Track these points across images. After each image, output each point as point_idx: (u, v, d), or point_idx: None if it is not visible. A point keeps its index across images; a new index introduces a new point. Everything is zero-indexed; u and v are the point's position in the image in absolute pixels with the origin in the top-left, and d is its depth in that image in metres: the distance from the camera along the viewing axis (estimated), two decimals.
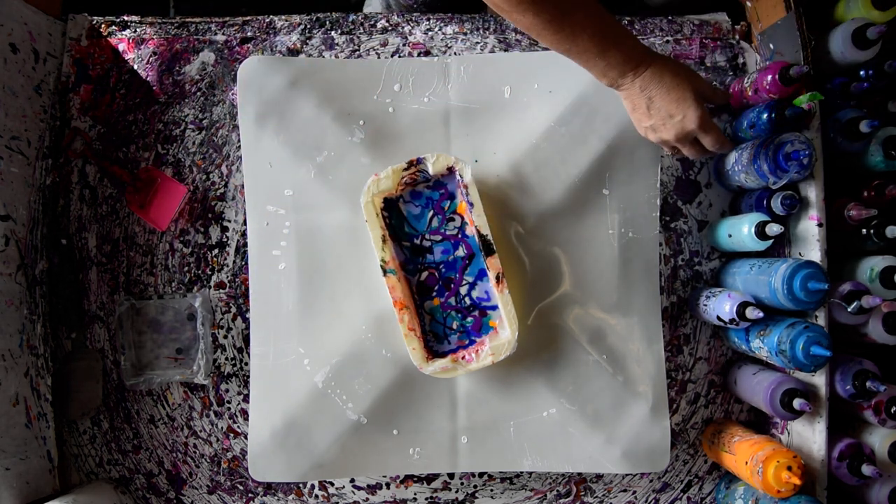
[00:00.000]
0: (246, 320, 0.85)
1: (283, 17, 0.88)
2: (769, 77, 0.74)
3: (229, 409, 0.85)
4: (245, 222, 0.84)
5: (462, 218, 0.78)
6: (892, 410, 0.72)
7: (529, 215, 0.80)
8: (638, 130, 0.72)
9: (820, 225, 0.75)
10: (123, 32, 0.87)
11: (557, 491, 0.87)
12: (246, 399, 0.85)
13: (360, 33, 0.87)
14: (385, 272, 0.75)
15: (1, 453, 0.73)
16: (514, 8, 0.59)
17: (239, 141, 0.85)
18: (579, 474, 0.86)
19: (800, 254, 0.78)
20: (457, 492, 0.86)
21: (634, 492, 0.87)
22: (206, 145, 0.86)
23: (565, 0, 0.60)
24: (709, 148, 0.69)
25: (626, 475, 0.86)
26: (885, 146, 0.74)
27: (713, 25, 0.88)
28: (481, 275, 0.78)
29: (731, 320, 0.74)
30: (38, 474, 0.79)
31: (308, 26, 0.87)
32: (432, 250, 0.78)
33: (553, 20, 0.60)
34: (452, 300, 0.78)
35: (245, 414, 0.85)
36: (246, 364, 0.85)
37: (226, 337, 0.85)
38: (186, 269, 0.85)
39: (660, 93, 0.66)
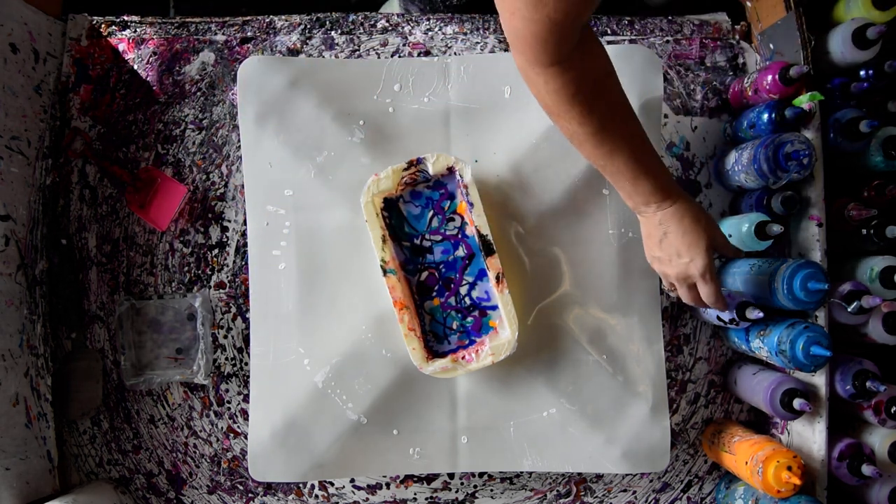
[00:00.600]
0: (246, 320, 0.85)
1: (283, 17, 0.88)
2: (769, 77, 0.74)
3: (229, 409, 0.85)
4: (245, 222, 0.84)
5: (462, 218, 0.78)
6: (892, 410, 0.72)
7: (529, 215, 0.80)
8: (646, 257, 0.72)
9: (820, 225, 0.75)
10: (123, 32, 0.87)
11: (557, 491, 0.87)
12: (246, 399, 0.85)
13: (360, 33, 0.87)
14: (385, 272, 0.75)
15: (1, 453, 0.73)
16: (564, 114, 0.60)
17: (239, 141, 0.85)
18: (579, 474, 0.86)
19: (800, 254, 0.78)
20: (457, 492, 0.86)
21: (634, 492, 0.87)
22: (206, 145, 0.86)
23: (610, 117, 0.61)
24: (703, 299, 0.69)
25: (626, 475, 0.86)
26: (885, 146, 0.74)
27: (713, 25, 0.88)
28: (481, 275, 0.78)
29: (731, 320, 0.74)
30: (38, 474, 0.79)
31: (308, 26, 0.87)
32: (432, 250, 0.78)
33: (596, 133, 0.60)
34: (452, 300, 0.78)
35: (245, 414, 0.85)
36: (246, 364, 0.85)
37: (226, 337, 0.85)
38: (186, 269, 0.85)
39: (676, 231, 0.66)
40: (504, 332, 0.75)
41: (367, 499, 0.86)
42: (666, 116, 0.86)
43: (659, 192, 0.64)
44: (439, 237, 0.78)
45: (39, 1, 0.81)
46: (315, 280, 0.80)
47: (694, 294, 0.69)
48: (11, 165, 0.77)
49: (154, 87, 0.86)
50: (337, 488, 0.86)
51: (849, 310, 0.71)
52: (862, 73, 0.74)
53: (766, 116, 0.75)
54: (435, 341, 0.78)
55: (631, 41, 0.88)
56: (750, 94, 0.79)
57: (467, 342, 0.77)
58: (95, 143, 0.85)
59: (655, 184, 0.64)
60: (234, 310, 0.85)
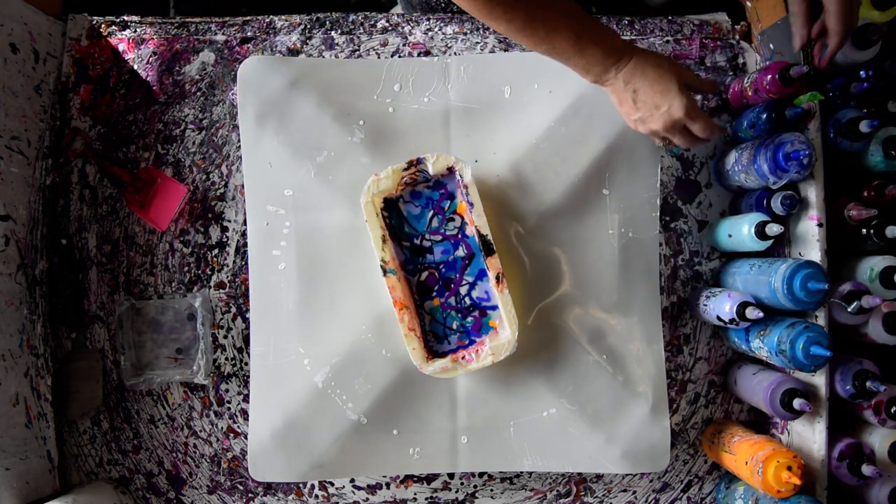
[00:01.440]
0: (246, 320, 0.85)
1: (283, 17, 0.88)
2: (769, 77, 0.74)
3: (229, 409, 0.85)
4: (245, 222, 0.84)
5: (462, 218, 0.78)
6: (892, 410, 0.72)
7: (529, 215, 0.80)
8: (628, 124, 0.72)
9: (820, 225, 0.75)
10: (123, 32, 0.87)
11: (557, 491, 0.87)
12: (246, 399, 0.85)
13: (360, 33, 0.87)
14: (385, 272, 0.75)
15: (1, 453, 0.73)
16: (486, 17, 0.61)
17: (239, 141, 0.85)
18: (579, 474, 0.86)
19: (800, 254, 0.78)
20: (457, 492, 0.86)
21: (634, 492, 0.87)
22: (206, 145, 0.86)
23: (534, 4, 0.61)
24: (698, 135, 0.69)
25: (626, 475, 0.86)
26: (885, 146, 0.74)
27: (713, 25, 0.88)
28: (481, 275, 0.78)
29: (731, 320, 0.74)
30: (38, 474, 0.79)
31: (308, 26, 0.87)
32: (432, 250, 0.78)
33: (526, 25, 0.61)
34: (452, 300, 0.78)
35: (245, 414, 0.85)
36: (246, 364, 0.85)
37: (226, 337, 0.85)
38: (186, 269, 0.85)
39: (644, 85, 0.66)
40: (504, 332, 0.75)
41: (367, 499, 0.86)
42: None
43: (612, 54, 0.65)
44: (439, 237, 0.78)
45: (39, 1, 0.81)
46: (315, 280, 0.80)
47: (689, 136, 0.70)
48: (11, 165, 0.77)
49: (154, 87, 0.86)
50: (337, 488, 0.86)
51: (849, 310, 0.71)
52: (862, 73, 0.74)
53: (766, 116, 0.75)
54: (435, 341, 0.78)
55: (631, 41, 0.87)
56: (750, 94, 0.79)
57: (467, 342, 0.77)
58: (95, 143, 0.85)
59: (605, 48, 0.64)
60: (234, 310, 0.85)
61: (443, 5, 0.91)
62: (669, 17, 0.88)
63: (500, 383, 0.80)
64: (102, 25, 0.87)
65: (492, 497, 0.86)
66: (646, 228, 0.81)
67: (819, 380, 0.75)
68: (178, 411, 0.85)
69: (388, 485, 0.86)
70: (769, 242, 0.74)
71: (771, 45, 0.82)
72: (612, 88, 0.69)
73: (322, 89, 0.82)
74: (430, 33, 0.87)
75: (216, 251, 0.86)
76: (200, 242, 0.86)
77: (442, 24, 0.87)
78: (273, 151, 0.81)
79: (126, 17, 0.87)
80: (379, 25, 0.87)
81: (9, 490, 0.73)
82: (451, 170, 0.76)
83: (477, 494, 0.87)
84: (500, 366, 0.76)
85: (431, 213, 0.78)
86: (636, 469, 0.80)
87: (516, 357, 0.76)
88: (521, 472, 0.86)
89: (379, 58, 0.86)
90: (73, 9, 0.87)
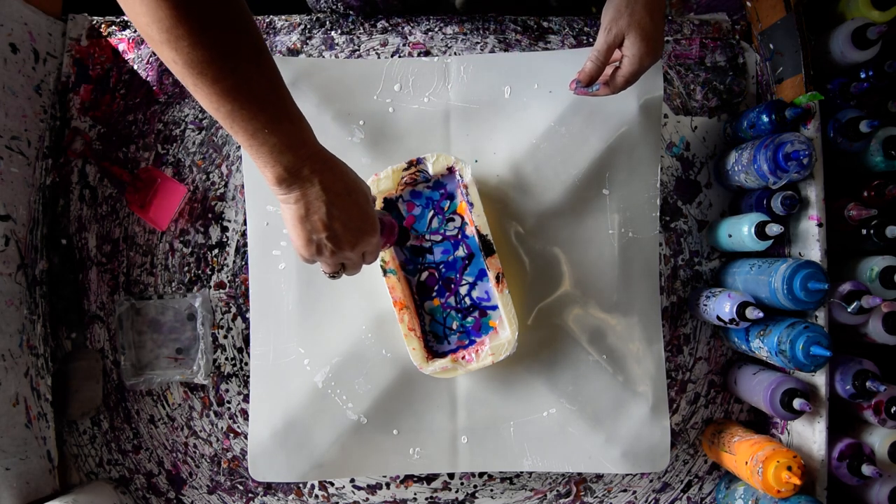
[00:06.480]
0: (246, 320, 0.85)
1: (283, 17, 0.87)
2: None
3: (229, 409, 0.85)
4: (245, 222, 0.84)
5: (462, 218, 0.78)
6: (892, 410, 0.72)
7: (529, 215, 0.80)
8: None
9: (820, 225, 0.75)
10: (123, 32, 0.87)
11: (557, 491, 0.86)
12: (246, 399, 0.85)
13: (360, 33, 0.87)
14: (385, 272, 0.75)
15: (1, 453, 0.73)
16: (165, 36, 0.44)
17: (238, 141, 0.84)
18: (579, 474, 0.86)
19: (800, 254, 0.78)
20: (457, 492, 0.86)
21: (634, 492, 0.87)
22: (206, 145, 0.86)
23: (236, 47, 0.46)
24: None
25: (626, 475, 0.86)
26: (885, 146, 0.74)
27: (713, 25, 0.88)
28: (481, 275, 0.78)
29: (731, 320, 0.74)
30: (38, 474, 0.79)
31: (308, 26, 0.87)
32: (432, 250, 0.78)
33: (211, 64, 0.46)
34: (452, 300, 0.78)
35: (245, 414, 0.85)
36: (246, 364, 0.85)
37: (226, 337, 0.85)
38: (186, 269, 0.85)
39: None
40: (504, 332, 0.75)
41: (367, 499, 0.86)
42: (666, 116, 0.86)
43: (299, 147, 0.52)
44: (439, 237, 0.78)
45: (39, 1, 0.81)
46: (315, 280, 0.80)
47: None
48: (11, 165, 0.77)
49: (154, 87, 0.86)
50: (337, 488, 0.86)
51: (849, 310, 0.71)
52: (862, 73, 0.74)
53: (766, 116, 0.75)
54: (435, 341, 0.78)
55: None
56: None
57: (467, 342, 0.77)
58: (95, 143, 0.85)
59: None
60: (234, 310, 0.85)
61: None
62: (669, 17, 0.88)
63: (500, 383, 0.80)
64: (102, 25, 0.87)
65: (492, 497, 0.86)
66: (646, 228, 0.81)
67: (819, 380, 0.75)
68: (178, 411, 0.85)
69: (388, 485, 0.86)
70: (769, 242, 0.74)
71: (771, 45, 0.82)
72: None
73: (322, 89, 0.82)
74: (430, 33, 0.87)
75: (216, 251, 0.86)
76: (200, 242, 0.85)
77: (442, 25, 0.87)
78: None
79: (126, 18, 0.87)
80: (379, 25, 0.87)
81: (9, 490, 0.73)
82: (451, 170, 0.76)
83: (477, 494, 0.87)
84: (500, 366, 0.76)
85: (431, 213, 0.78)
86: (636, 469, 0.80)
87: (516, 357, 0.76)
88: (521, 472, 0.86)
89: (379, 58, 0.86)
90: (73, 9, 0.87)
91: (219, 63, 0.46)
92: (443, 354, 0.76)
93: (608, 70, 0.69)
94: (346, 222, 0.55)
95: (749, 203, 0.80)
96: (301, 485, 0.86)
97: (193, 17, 0.44)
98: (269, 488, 0.86)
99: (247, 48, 0.47)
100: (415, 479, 0.86)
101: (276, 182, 0.53)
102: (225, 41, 0.46)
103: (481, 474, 0.86)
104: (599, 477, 0.86)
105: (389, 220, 0.67)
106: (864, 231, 0.75)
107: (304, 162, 0.52)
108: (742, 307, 0.72)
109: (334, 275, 0.62)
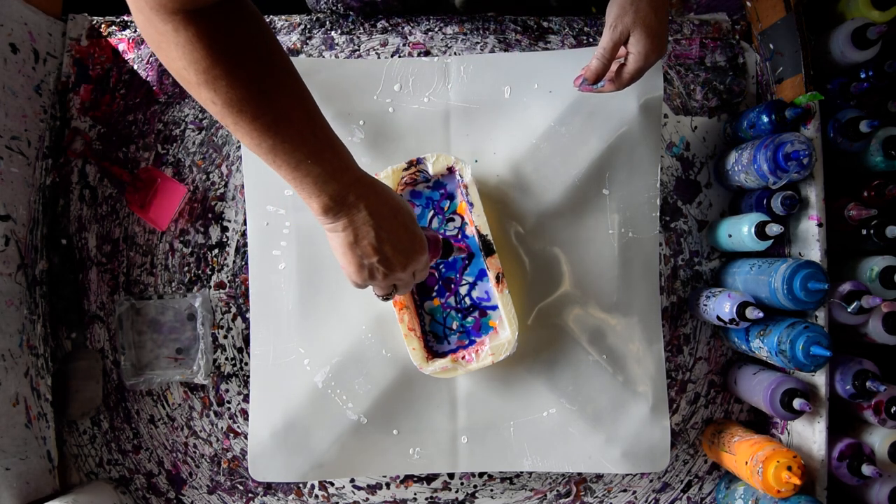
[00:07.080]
0: (246, 320, 0.85)
1: (283, 17, 0.87)
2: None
3: (229, 409, 0.85)
4: (245, 222, 0.84)
5: (462, 218, 0.78)
6: (892, 410, 0.72)
7: (529, 215, 0.80)
8: None
9: (820, 225, 0.75)
10: (123, 32, 0.87)
11: (557, 491, 0.86)
12: (246, 399, 0.85)
13: (360, 33, 0.87)
14: None
15: (1, 453, 0.73)
16: (204, 75, 0.44)
17: (239, 141, 0.85)
18: (579, 474, 0.86)
19: (800, 254, 0.78)
20: (457, 492, 0.86)
21: (634, 492, 0.87)
22: (206, 145, 0.86)
23: (274, 77, 0.47)
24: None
25: (626, 475, 0.86)
26: (885, 146, 0.74)
27: (713, 25, 0.88)
28: (481, 275, 0.78)
29: (731, 320, 0.74)
30: (38, 474, 0.79)
31: (308, 26, 0.87)
32: None
33: (252, 99, 0.46)
34: (452, 300, 0.78)
35: (245, 414, 0.85)
36: (246, 364, 0.85)
37: (226, 337, 0.85)
38: (186, 269, 0.85)
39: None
40: (504, 332, 0.75)
41: (367, 499, 0.86)
42: (666, 116, 0.86)
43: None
44: None
45: (39, 1, 0.81)
46: (315, 280, 0.80)
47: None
48: (11, 165, 0.77)
49: (154, 87, 0.86)
50: (337, 488, 0.86)
51: (849, 310, 0.71)
52: (862, 73, 0.74)
53: (766, 116, 0.75)
54: (435, 341, 0.78)
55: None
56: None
57: (467, 342, 0.77)
58: (95, 143, 0.85)
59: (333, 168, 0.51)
60: (234, 310, 0.85)
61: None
62: (669, 17, 0.88)
63: (500, 383, 0.80)
64: (102, 25, 0.87)
65: (492, 497, 0.86)
66: (646, 228, 0.81)
67: (819, 380, 0.75)
68: (178, 411, 0.85)
69: (388, 485, 0.86)
70: (769, 242, 0.74)
71: (771, 45, 0.82)
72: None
73: (322, 89, 0.82)
74: (430, 33, 0.87)
75: (216, 251, 0.86)
76: (200, 242, 0.85)
77: (442, 25, 0.87)
78: None
79: (126, 17, 0.87)
80: (379, 25, 0.87)
81: (9, 490, 0.73)
82: (451, 170, 0.76)
83: (477, 494, 0.87)
84: (500, 366, 0.76)
85: (431, 213, 0.78)
86: (636, 469, 0.80)
87: (516, 357, 0.76)
88: (521, 472, 0.86)
89: (379, 58, 0.86)
90: (73, 9, 0.87)
91: (257, 99, 0.46)
92: (443, 354, 0.76)
93: (613, 67, 0.69)
94: (396, 244, 0.55)
95: (749, 203, 0.80)
96: (301, 485, 0.86)
97: (229, 55, 0.44)
98: (269, 488, 0.86)
99: (282, 79, 0.47)
100: (415, 479, 0.86)
101: (322, 212, 0.52)
102: (261, 76, 0.46)
103: (481, 474, 0.86)
104: (599, 477, 0.86)
105: (433, 234, 0.65)
106: (864, 231, 0.75)
107: (348, 188, 0.52)
108: (742, 307, 0.72)
109: (387, 297, 0.61)
